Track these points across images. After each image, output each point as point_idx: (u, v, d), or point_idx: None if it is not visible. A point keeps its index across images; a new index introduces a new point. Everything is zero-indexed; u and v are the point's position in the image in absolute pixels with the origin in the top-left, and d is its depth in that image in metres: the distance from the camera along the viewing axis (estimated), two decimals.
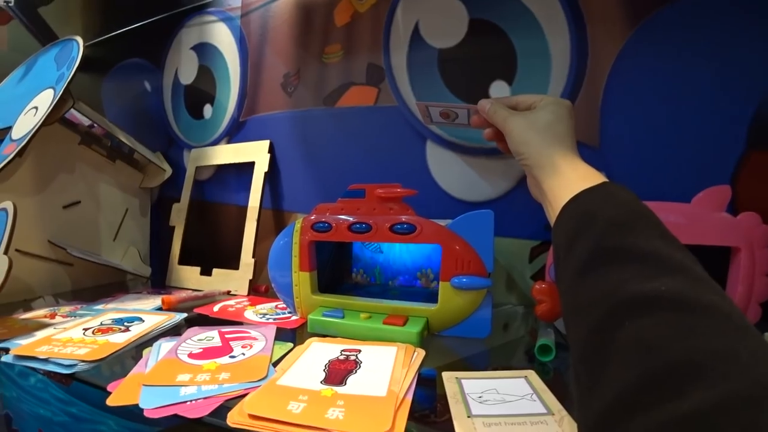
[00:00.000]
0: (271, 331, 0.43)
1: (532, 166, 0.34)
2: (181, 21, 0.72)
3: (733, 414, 0.15)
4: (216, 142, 0.70)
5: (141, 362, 0.36)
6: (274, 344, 0.39)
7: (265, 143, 0.63)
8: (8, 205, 0.48)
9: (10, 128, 0.56)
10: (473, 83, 0.53)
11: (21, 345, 0.39)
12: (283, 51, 0.64)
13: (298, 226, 0.46)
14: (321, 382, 0.31)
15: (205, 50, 0.70)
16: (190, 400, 0.30)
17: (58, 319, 0.48)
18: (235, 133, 0.68)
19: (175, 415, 0.29)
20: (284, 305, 0.52)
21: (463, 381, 0.32)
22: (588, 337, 0.21)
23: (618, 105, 0.47)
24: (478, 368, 0.35)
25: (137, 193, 0.71)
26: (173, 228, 0.69)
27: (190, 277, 0.64)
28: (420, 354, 0.37)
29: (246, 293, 0.59)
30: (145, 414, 0.29)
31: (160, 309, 0.52)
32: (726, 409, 0.15)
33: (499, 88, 0.52)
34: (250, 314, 0.50)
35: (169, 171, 0.70)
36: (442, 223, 0.41)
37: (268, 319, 0.48)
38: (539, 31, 0.50)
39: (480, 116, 0.41)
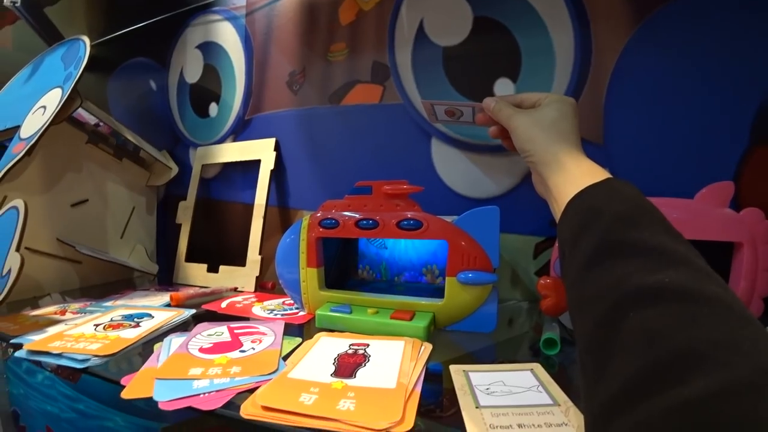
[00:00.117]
0: (280, 327, 0.43)
1: (537, 162, 0.35)
2: (185, 20, 0.72)
3: (734, 400, 0.15)
4: (222, 141, 0.70)
5: (152, 357, 0.37)
6: (283, 339, 0.40)
7: (271, 141, 0.64)
8: (19, 203, 0.49)
9: (18, 127, 0.57)
10: (478, 81, 0.54)
11: (34, 341, 0.40)
12: (288, 49, 0.64)
13: (305, 223, 0.47)
14: (331, 375, 0.32)
15: (210, 49, 0.70)
16: (203, 393, 0.30)
17: (68, 315, 0.48)
18: (241, 131, 0.69)
19: (189, 408, 0.29)
20: (291, 301, 0.52)
21: (470, 374, 0.33)
22: (594, 329, 0.22)
23: (622, 102, 0.48)
24: (484, 362, 0.36)
25: (144, 191, 0.72)
26: (180, 226, 0.69)
27: (197, 274, 0.65)
28: (427, 348, 0.37)
29: (253, 290, 0.60)
30: (160, 406, 0.29)
31: (168, 305, 0.52)
32: (727, 395, 0.15)
33: (503, 86, 0.52)
34: (257, 310, 0.50)
35: (175, 169, 0.71)
36: (448, 219, 0.42)
37: (275, 314, 0.48)
38: (543, 28, 0.50)
39: (485, 114, 0.42)
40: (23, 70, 0.67)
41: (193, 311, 0.49)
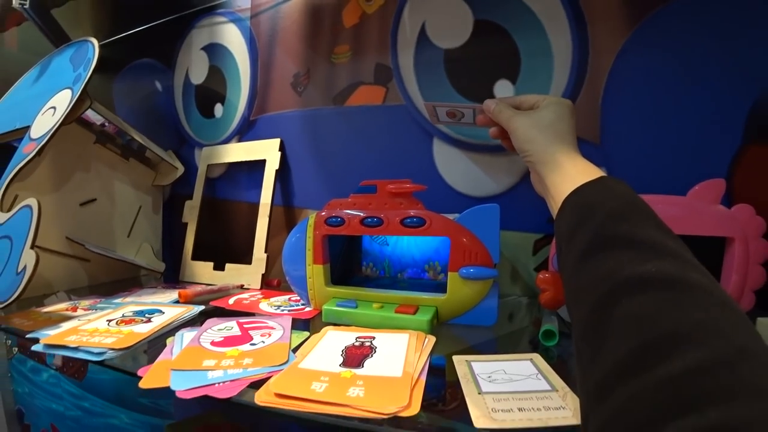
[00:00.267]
0: (287, 321, 0.45)
1: (536, 162, 0.36)
2: (191, 22, 0.73)
3: (712, 374, 0.17)
4: (227, 141, 0.71)
5: (166, 350, 0.38)
6: (291, 333, 0.41)
7: (276, 141, 0.65)
8: (32, 201, 0.50)
9: (27, 127, 0.58)
10: (478, 82, 0.55)
11: (49, 335, 0.41)
12: (292, 51, 0.65)
13: (311, 221, 0.48)
14: (340, 365, 0.33)
15: (215, 51, 0.71)
16: (218, 383, 0.32)
17: (79, 312, 0.50)
18: (246, 131, 0.70)
19: (206, 396, 0.30)
20: (297, 298, 0.54)
21: (472, 363, 0.34)
22: (588, 316, 0.23)
23: (618, 102, 0.49)
24: (486, 354, 0.37)
25: (150, 190, 0.73)
26: (185, 225, 0.70)
27: (203, 272, 0.66)
28: (431, 340, 0.38)
29: (259, 287, 0.61)
30: (177, 395, 0.30)
31: (177, 302, 0.53)
32: (706, 370, 0.17)
33: (503, 87, 0.54)
34: (264, 306, 0.52)
35: (181, 169, 0.72)
36: (450, 217, 0.43)
37: (282, 310, 0.50)
38: (542, 31, 0.51)
39: (485, 115, 0.43)
40: (31, 71, 0.68)
41: (202, 307, 0.51)
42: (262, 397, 0.29)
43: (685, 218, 0.41)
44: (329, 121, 0.63)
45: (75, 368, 0.92)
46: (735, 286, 0.41)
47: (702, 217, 0.41)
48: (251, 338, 0.40)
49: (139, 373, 0.34)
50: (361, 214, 0.46)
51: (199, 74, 0.74)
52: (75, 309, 0.51)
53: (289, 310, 0.50)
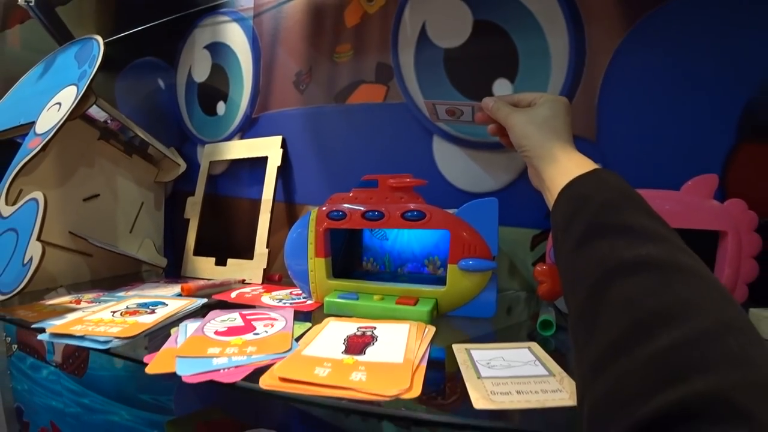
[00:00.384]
0: (290, 313, 0.45)
1: (533, 157, 0.38)
2: (194, 21, 0.74)
3: (699, 346, 0.18)
4: (229, 138, 0.72)
5: (171, 339, 0.39)
6: (293, 323, 0.42)
7: (278, 138, 0.66)
8: (38, 195, 0.51)
9: (32, 123, 0.59)
10: (477, 81, 0.56)
11: (55, 325, 0.42)
12: (295, 50, 0.66)
13: (313, 215, 0.49)
14: (342, 353, 0.34)
15: (218, 49, 0.72)
16: (223, 369, 0.32)
17: (83, 304, 0.50)
18: (248, 129, 0.71)
19: (211, 381, 0.31)
20: (299, 292, 0.54)
21: (472, 351, 0.35)
22: (583, 300, 0.24)
23: (614, 100, 0.50)
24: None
25: (152, 187, 0.74)
26: (187, 221, 0.71)
27: (205, 267, 0.67)
28: (431, 330, 0.39)
29: (260, 282, 0.62)
30: (183, 380, 0.31)
31: (179, 296, 0.54)
32: (693, 343, 0.18)
33: (501, 86, 0.55)
34: (266, 299, 0.52)
35: (183, 165, 0.73)
36: (450, 212, 0.44)
37: (284, 303, 0.51)
38: (539, 31, 0.52)
39: (484, 113, 0.45)
40: (35, 67, 0.69)
41: (205, 300, 0.51)
42: (266, 381, 0.30)
43: (678, 212, 0.42)
44: (331, 118, 0.64)
45: (75, 365, 0.92)
46: (728, 279, 0.42)
47: (695, 211, 0.42)
48: (254, 328, 0.41)
49: (145, 360, 0.34)
50: (363, 208, 0.47)
51: (201, 72, 0.74)
52: (79, 302, 0.51)
53: (290, 303, 0.50)
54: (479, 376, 0.30)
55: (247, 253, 0.64)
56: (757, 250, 0.41)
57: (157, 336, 0.40)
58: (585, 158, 0.34)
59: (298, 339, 0.38)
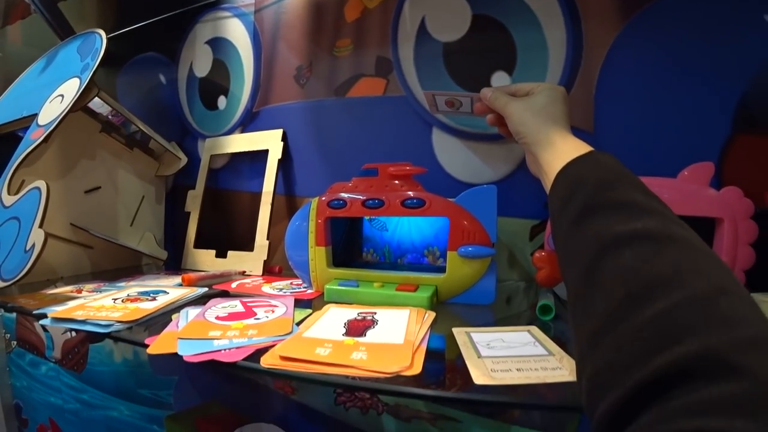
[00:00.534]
0: (290, 301, 0.46)
1: (530, 143, 0.38)
2: (195, 17, 0.75)
3: (692, 310, 0.18)
4: (230, 132, 0.73)
5: (172, 324, 0.39)
6: (294, 310, 0.42)
7: (279, 132, 0.67)
8: (41, 183, 0.51)
9: (34, 115, 0.59)
10: (476, 74, 0.57)
11: (57, 310, 0.42)
12: (295, 45, 0.67)
13: (314, 204, 0.49)
14: (342, 335, 0.34)
15: (219, 44, 0.73)
16: (224, 350, 0.32)
17: (84, 293, 0.50)
18: (249, 122, 0.71)
19: (212, 361, 0.31)
20: (299, 282, 0.55)
21: (472, 334, 0.35)
22: (580, 276, 0.25)
23: (611, 92, 0.51)
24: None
25: (153, 180, 0.74)
26: (188, 214, 0.71)
27: (205, 259, 0.67)
28: (431, 315, 0.40)
29: (261, 273, 0.62)
30: (185, 359, 0.31)
31: (180, 286, 0.54)
32: (687, 306, 0.18)
33: (500, 79, 0.55)
34: (267, 289, 0.53)
35: (184, 159, 0.73)
36: (449, 200, 0.44)
37: (285, 292, 0.51)
38: (537, 24, 0.53)
39: (482, 103, 0.45)
40: (37, 62, 0.70)
41: (206, 289, 0.52)
42: (267, 360, 0.30)
43: (675, 200, 0.42)
44: (331, 111, 0.65)
45: (74, 360, 0.92)
46: None
47: (692, 198, 0.42)
48: (255, 314, 0.41)
49: (146, 341, 0.35)
50: (363, 196, 0.47)
51: (203, 67, 0.75)
52: (80, 291, 0.51)
53: (291, 292, 0.51)
54: (479, 356, 0.31)
55: (247, 245, 0.64)
56: (754, 237, 0.42)
57: (159, 321, 0.41)
58: (581, 142, 0.34)
59: (298, 324, 0.38)
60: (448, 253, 0.44)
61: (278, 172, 0.65)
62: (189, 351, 0.32)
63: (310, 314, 0.41)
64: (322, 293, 0.48)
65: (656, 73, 0.49)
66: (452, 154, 0.58)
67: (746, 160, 0.47)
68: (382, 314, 0.40)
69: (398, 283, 0.45)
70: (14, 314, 1.00)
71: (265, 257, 0.62)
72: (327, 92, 0.65)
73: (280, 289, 0.52)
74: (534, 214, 0.54)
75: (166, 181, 0.77)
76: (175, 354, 0.32)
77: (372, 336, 0.34)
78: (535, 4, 0.53)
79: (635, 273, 0.21)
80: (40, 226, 0.48)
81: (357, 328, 0.36)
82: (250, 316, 0.40)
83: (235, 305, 0.44)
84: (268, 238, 0.63)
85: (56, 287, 0.53)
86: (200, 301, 0.47)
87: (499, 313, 0.44)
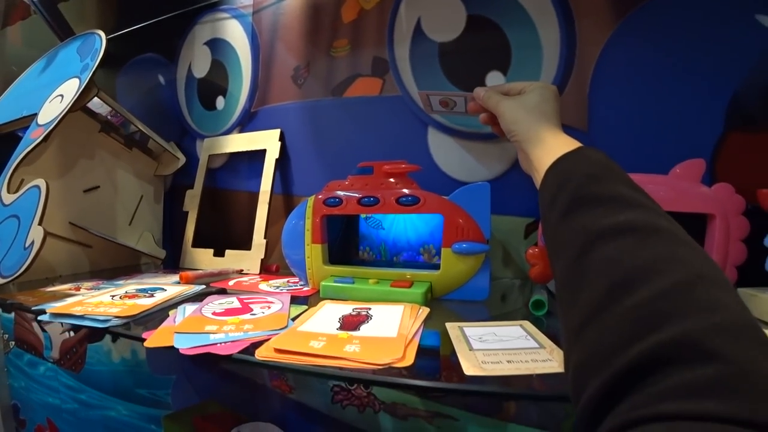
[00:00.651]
0: (286, 297, 0.46)
1: (522, 140, 0.39)
2: (194, 18, 0.76)
3: (672, 297, 0.19)
4: (228, 132, 0.73)
5: (169, 319, 0.39)
6: (290, 306, 0.43)
7: (276, 131, 0.67)
8: (40, 182, 0.51)
9: (34, 115, 0.60)
10: (471, 74, 0.57)
11: (56, 306, 0.42)
12: (293, 46, 0.68)
13: (310, 202, 0.50)
14: (337, 329, 0.35)
15: (217, 45, 0.74)
16: (220, 343, 0.33)
17: (82, 291, 0.51)
18: (247, 122, 0.72)
19: (208, 354, 0.32)
20: (296, 280, 0.55)
21: (464, 328, 0.36)
22: (567, 268, 0.25)
23: (604, 92, 0.51)
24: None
25: (152, 180, 0.75)
26: (186, 214, 0.72)
27: (203, 258, 0.67)
28: (425, 310, 0.40)
29: (258, 272, 0.62)
30: (181, 352, 0.32)
31: (178, 284, 0.55)
32: (666, 294, 0.19)
33: (494, 78, 0.56)
34: (264, 287, 0.53)
35: (182, 159, 0.74)
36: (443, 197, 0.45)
37: (281, 290, 0.51)
38: (531, 24, 0.54)
39: (476, 103, 0.46)
40: (37, 62, 0.70)
41: (203, 286, 0.52)
42: (262, 353, 0.31)
43: (668, 196, 0.42)
44: (328, 111, 0.66)
45: (73, 360, 0.92)
46: (717, 261, 0.42)
47: (684, 194, 0.42)
48: (251, 310, 0.41)
49: (143, 335, 0.35)
50: (358, 194, 0.47)
51: (201, 68, 0.76)
52: (78, 289, 0.52)
53: (287, 290, 0.51)
54: (471, 348, 0.31)
55: (245, 244, 0.65)
56: (745, 233, 0.42)
57: (156, 317, 0.41)
58: (570, 138, 0.35)
59: (294, 319, 0.39)
60: (443, 249, 0.44)
61: (276, 171, 0.66)
62: (185, 344, 0.33)
63: (306, 310, 0.41)
64: (318, 290, 0.48)
65: (649, 72, 0.50)
66: (448, 154, 0.59)
67: (738, 157, 0.47)
68: (377, 310, 0.40)
69: (393, 279, 0.46)
70: (12, 314, 1.01)
71: (263, 256, 0.63)
72: (324, 92, 0.66)
73: (277, 287, 0.53)
74: (528, 212, 0.55)
75: (164, 180, 0.78)
76: (172, 347, 0.33)
77: (366, 330, 0.35)
78: (529, 4, 0.54)
79: (618, 264, 0.22)
80: (40, 224, 0.48)
81: (351, 323, 0.36)
82: (246, 311, 0.41)
83: (232, 302, 0.44)
84: (265, 237, 0.63)
85: (54, 285, 0.54)
86: (197, 298, 0.48)
87: (494, 310, 0.44)
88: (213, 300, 0.45)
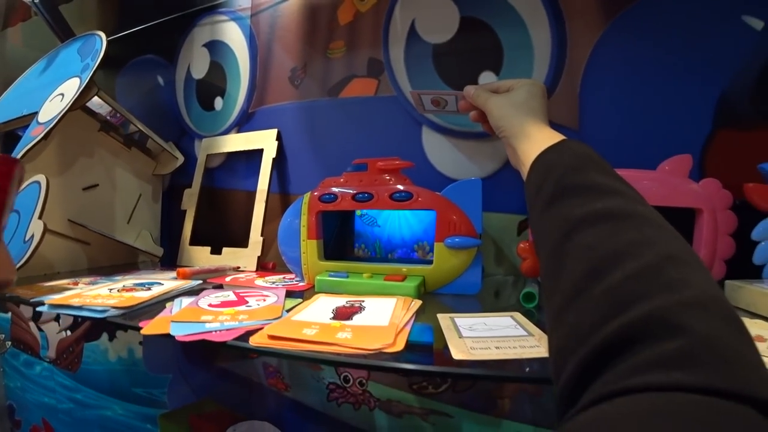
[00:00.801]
0: (282, 291, 0.47)
1: (509, 136, 0.40)
2: (193, 20, 0.77)
3: (642, 278, 0.20)
4: (226, 132, 0.74)
5: (166, 310, 0.40)
6: (285, 299, 0.43)
7: (273, 131, 0.68)
8: (41, 178, 0.52)
9: (35, 114, 0.60)
10: (464, 74, 0.58)
11: (54, 298, 0.43)
12: (290, 48, 0.69)
13: (306, 198, 0.51)
14: (330, 319, 0.36)
15: (216, 47, 0.75)
16: (215, 331, 0.33)
17: (81, 285, 0.51)
18: (245, 123, 0.73)
19: (203, 341, 0.32)
20: (292, 276, 0.56)
21: (456, 318, 0.36)
22: (550, 256, 0.26)
23: (595, 91, 0.53)
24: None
25: (150, 179, 0.75)
26: (184, 213, 0.73)
27: (200, 255, 0.68)
28: (417, 302, 0.41)
29: (254, 269, 0.63)
30: (177, 339, 0.32)
31: (175, 279, 0.55)
32: (637, 275, 0.20)
33: (487, 78, 0.57)
34: (260, 283, 0.54)
35: (181, 159, 0.75)
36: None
37: (277, 285, 0.52)
38: (523, 26, 0.55)
39: (466, 101, 0.47)
40: (38, 62, 0.71)
41: (200, 281, 0.53)
42: (256, 339, 0.31)
43: (658, 191, 0.43)
44: (324, 111, 0.67)
45: (69, 360, 0.92)
46: (705, 255, 0.43)
47: (672, 189, 0.43)
48: (247, 302, 0.42)
49: (140, 324, 0.36)
50: (353, 190, 0.48)
51: (200, 69, 0.77)
52: (76, 284, 0.52)
53: (283, 285, 0.52)
54: (460, 336, 0.32)
55: (242, 242, 0.65)
56: (733, 228, 0.43)
57: (153, 309, 0.41)
58: (556, 132, 0.36)
59: (288, 311, 0.39)
60: (435, 244, 0.45)
61: (273, 170, 0.67)
62: (181, 332, 0.33)
63: (300, 303, 0.42)
64: (314, 285, 0.49)
65: (639, 71, 0.51)
66: (442, 152, 0.60)
67: (727, 153, 0.48)
68: (370, 302, 0.41)
69: (387, 273, 0.47)
70: (9, 314, 1.01)
71: (259, 253, 0.63)
72: (320, 93, 0.67)
73: (273, 283, 0.53)
74: (521, 209, 0.56)
75: (163, 179, 0.78)
76: (168, 335, 0.33)
77: (358, 320, 0.35)
78: (521, 6, 0.55)
79: (594, 250, 0.23)
80: (40, 218, 0.49)
81: (344, 314, 0.37)
82: (241, 303, 0.41)
83: (228, 295, 0.45)
84: (262, 235, 0.64)
85: (53, 281, 0.54)
86: (194, 292, 0.48)
87: (486, 305, 0.45)
88: (209, 293, 0.46)
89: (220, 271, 0.60)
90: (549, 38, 0.54)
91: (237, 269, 0.63)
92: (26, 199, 0.52)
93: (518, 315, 0.37)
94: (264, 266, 0.65)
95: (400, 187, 0.47)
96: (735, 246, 0.43)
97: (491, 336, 0.32)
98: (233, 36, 0.74)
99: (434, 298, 0.45)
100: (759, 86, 0.46)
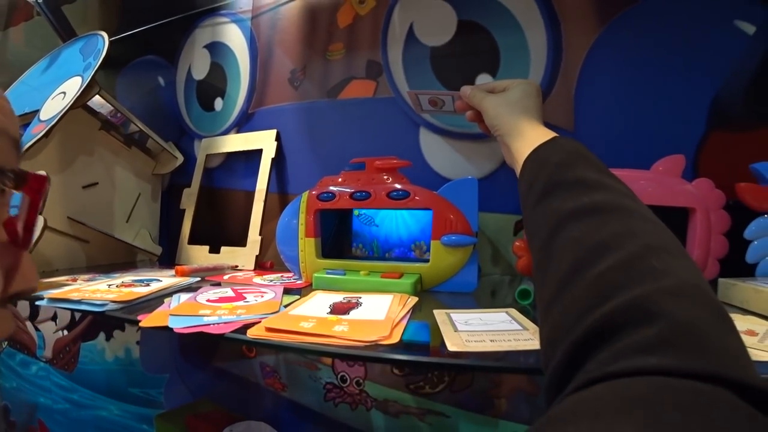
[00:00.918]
0: (279, 289, 0.47)
1: (504, 134, 0.40)
2: (195, 22, 0.78)
3: (626, 268, 0.20)
4: (226, 133, 0.75)
5: (164, 305, 0.40)
6: (282, 296, 0.44)
7: (273, 132, 0.69)
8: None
9: (36, 112, 0.61)
10: (461, 77, 0.59)
11: (53, 292, 0.43)
12: (290, 49, 0.70)
13: (304, 197, 0.51)
14: (327, 313, 0.36)
15: (217, 48, 0.76)
16: (213, 324, 0.34)
17: (80, 282, 0.52)
18: (244, 123, 0.74)
19: (201, 333, 0.33)
20: (290, 274, 0.56)
21: (451, 314, 0.37)
22: (540, 250, 0.27)
23: (590, 93, 0.53)
24: None
25: (150, 179, 0.76)
26: (183, 212, 0.73)
27: (199, 254, 0.68)
28: (413, 299, 0.41)
29: (252, 268, 0.63)
30: (175, 331, 0.33)
31: (173, 277, 0.55)
32: (621, 266, 0.20)
33: (484, 81, 0.58)
34: (257, 280, 0.54)
35: (180, 158, 0.75)
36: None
37: (275, 283, 0.52)
38: (519, 29, 0.56)
39: (463, 101, 0.48)
40: (40, 61, 0.72)
41: (198, 278, 0.53)
42: (254, 332, 0.32)
43: (653, 191, 0.44)
44: (323, 112, 0.67)
45: (65, 360, 0.92)
46: (699, 254, 0.43)
47: (665, 189, 0.44)
48: (245, 298, 0.42)
49: (139, 318, 0.36)
50: (350, 189, 0.49)
51: (200, 70, 0.78)
52: (75, 280, 0.53)
53: (281, 283, 0.52)
54: (456, 330, 0.32)
55: (240, 242, 0.66)
56: (726, 227, 0.44)
57: (152, 304, 0.42)
58: (548, 130, 0.37)
59: (285, 306, 0.40)
60: (432, 242, 0.45)
61: (271, 170, 0.67)
62: (179, 324, 0.34)
63: (298, 299, 0.42)
64: (311, 283, 0.49)
65: (634, 73, 0.52)
66: (439, 153, 0.60)
67: (720, 154, 0.49)
68: (367, 298, 0.41)
69: (384, 271, 0.47)
70: None
71: (257, 253, 0.64)
72: (320, 94, 0.68)
73: (271, 281, 0.53)
74: (517, 209, 0.55)
75: (162, 179, 0.79)
76: (167, 327, 0.34)
77: (355, 314, 0.36)
78: (517, 9, 0.56)
79: (581, 243, 0.23)
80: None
81: (341, 309, 0.37)
82: (239, 299, 0.42)
83: (226, 291, 0.45)
84: (260, 234, 0.64)
85: (51, 277, 0.54)
86: (192, 288, 0.49)
87: (482, 303, 0.45)
88: (208, 290, 0.46)
89: (218, 269, 0.60)
90: (545, 41, 0.55)
91: (235, 268, 0.64)
92: None
93: (513, 311, 0.37)
94: (262, 265, 0.65)
95: (398, 185, 0.47)
96: (728, 245, 0.44)
97: (486, 330, 0.32)
98: (234, 38, 0.74)
99: (430, 296, 0.45)
100: (751, 88, 0.47)
